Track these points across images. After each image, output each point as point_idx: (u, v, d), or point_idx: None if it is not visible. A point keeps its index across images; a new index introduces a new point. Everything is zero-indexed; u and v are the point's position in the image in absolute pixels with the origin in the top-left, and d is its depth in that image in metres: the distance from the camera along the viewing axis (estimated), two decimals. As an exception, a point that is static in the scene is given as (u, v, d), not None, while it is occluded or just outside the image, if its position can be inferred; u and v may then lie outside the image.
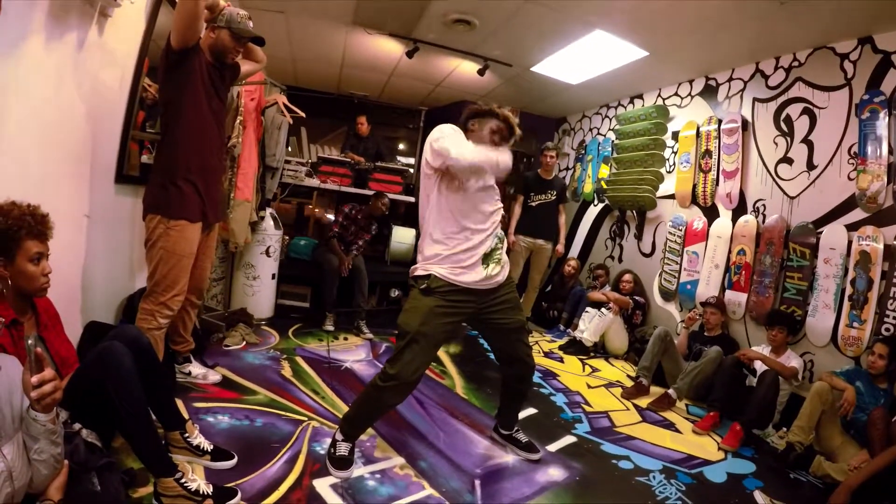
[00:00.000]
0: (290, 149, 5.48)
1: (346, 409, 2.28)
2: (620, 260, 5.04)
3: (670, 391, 3.24)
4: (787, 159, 3.43)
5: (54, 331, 1.60)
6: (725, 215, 3.86)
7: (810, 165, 3.26)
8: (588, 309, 4.42)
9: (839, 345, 2.91)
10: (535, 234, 4.63)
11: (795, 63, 3.43)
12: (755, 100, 3.71)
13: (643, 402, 3.26)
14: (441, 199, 1.92)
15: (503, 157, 1.87)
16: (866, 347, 2.75)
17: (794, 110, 3.41)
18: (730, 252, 3.71)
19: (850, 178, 3.01)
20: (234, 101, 3.07)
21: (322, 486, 1.87)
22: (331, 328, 3.94)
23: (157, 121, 2.34)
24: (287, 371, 2.97)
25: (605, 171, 5.31)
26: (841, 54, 3.14)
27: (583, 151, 5.89)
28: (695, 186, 4.13)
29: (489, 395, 3.01)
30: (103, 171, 2.26)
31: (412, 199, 5.42)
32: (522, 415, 2.66)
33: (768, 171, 3.56)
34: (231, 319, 3.49)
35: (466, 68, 4.81)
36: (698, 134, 4.12)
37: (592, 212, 5.59)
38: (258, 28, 2.26)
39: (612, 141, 5.22)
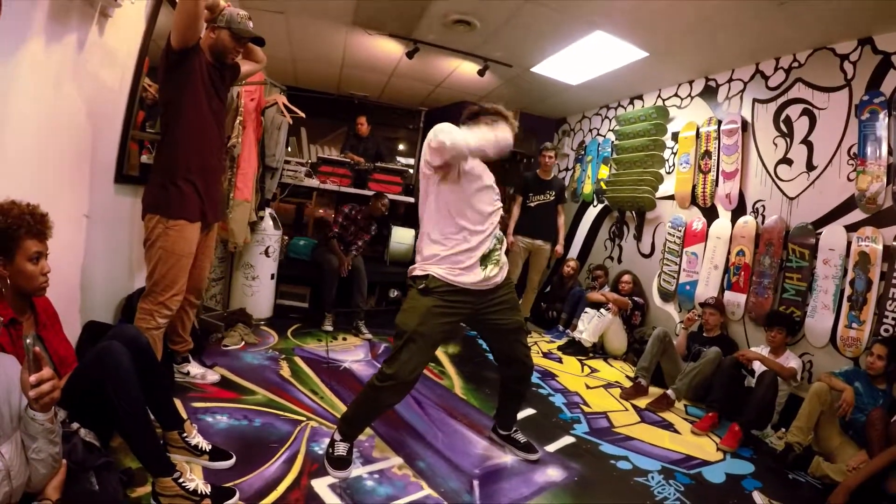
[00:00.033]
0: (289, 149, 5.49)
1: (344, 409, 2.28)
2: (620, 260, 5.05)
3: (669, 392, 3.24)
4: (786, 160, 3.43)
5: (53, 330, 1.60)
6: (725, 216, 3.86)
7: (810, 166, 3.27)
8: (587, 309, 4.42)
9: (838, 345, 2.91)
10: (533, 235, 4.63)
11: (795, 64, 3.43)
12: (755, 100, 3.72)
13: (642, 402, 3.26)
14: (439, 199, 1.93)
15: (502, 134, 1.85)
16: (865, 348, 2.75)
17: (793, 111, 3.41)
18: (729, 253, 3.72)
19: (849, 179, 3.01)
20: (234, 102, 3.07)
21: (320, 486, 1.87)
22: (330, 328, 3.94)
23: (157, 121, 2.34)
24: (286, 371, 2.97)
25: (604, 172, 5.32)
26: (841, 55, 3.14)
27: (582, 152, 5.89)
28: (694, 187, 4.13)
29: (488, 395, 3.01)
30: (103, 170, 2.26)
31: (412, 200, 5.42)
32: (521, 415, 2.66)
33: (768, 171, 3.56)
34: (230, 319, 3.49)
35: (466, 69, 4.81)
36: (698, 135, 4.13)
37: (592, 212, 5.59)
38: (258, 28, 2.27)
39: (612, 142, 5.22)
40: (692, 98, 4.36)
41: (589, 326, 4.26)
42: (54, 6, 1.69)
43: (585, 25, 3.55)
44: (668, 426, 2.96)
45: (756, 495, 2.27)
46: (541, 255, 4.69)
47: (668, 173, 4.51)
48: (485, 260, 1.95)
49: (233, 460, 1.89)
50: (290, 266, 4.48)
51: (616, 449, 2.55)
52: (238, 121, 3.11)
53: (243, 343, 3.29)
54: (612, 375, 3.84)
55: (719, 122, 3.94)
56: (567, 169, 6.26)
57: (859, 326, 2.81)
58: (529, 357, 2.21)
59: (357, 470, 2.01)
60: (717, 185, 3.94)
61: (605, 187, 5.16)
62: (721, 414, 2.96)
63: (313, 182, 4.98)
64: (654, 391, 3.38)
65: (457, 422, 2.62)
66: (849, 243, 2.94)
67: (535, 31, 3.80)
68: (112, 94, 2.25)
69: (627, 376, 3.82)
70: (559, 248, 4.77)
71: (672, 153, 4.47)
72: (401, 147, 7.53)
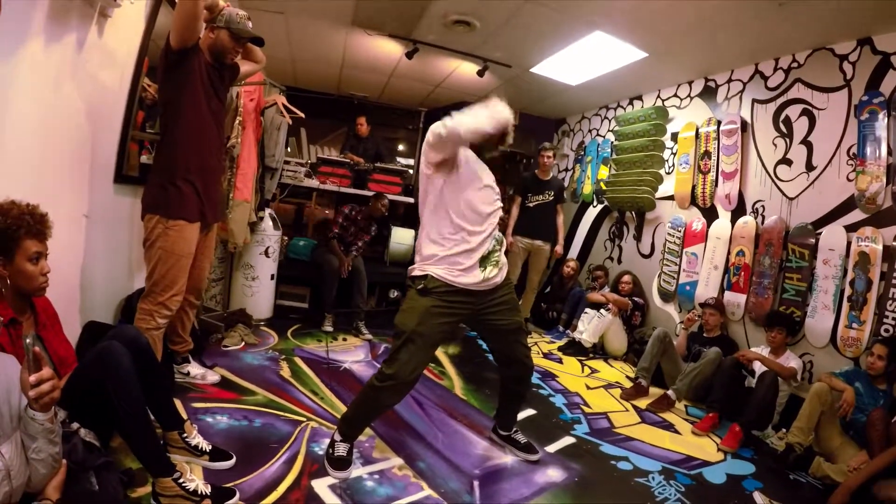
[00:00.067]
0: (289, 149, 5.50)
1: (344, 409, 2.28)
2: (619, 261, 5.05)
3: (669, 392, 3.24)
4: (786, 160, 3.43)
5: (53, 330, 1.60)
6: (724, 216, 3.87)
7: (809, 166, 3.27)
8: (587, 310, 4.42)
9: (838, 346, 2.91)
10: (532, 235, 4.63)
11: (794, 64, 3.43)
12: (754, 101, 3.72)
13: (642, 403, 3.25)
14: (438, 199, 1.93)
15: (496, 109, 1.82)
16: (865, 348, 2.75)
17: (793, 111, 3.41)
18: (729, 253, 3.72)
19: (849, 179, 3.01)
20: (234, 102, 3.07)
21: (320, 486, 1.87)
22: (330, 329, 3.94)
23: (157, 121, 2.34)
24: (286, 371, 2.97)
25: (604, 173, 5.32)
26: (840, 55, 3.14)
27: (582, 152, 5.90)
28: (694, 187, 4.13)
29: (488, 395, 3.00)
30: (102, 170, 2.26)
31: (411, 200, 5.42)
32: (521, 416, 2.66)
33: (767, 172, 3.56)
34: (230, 320, 3.49)
35: (466, 69, 4.81)
36: (697, 135, 4.13)
37: (591, 213, 5.59)
38: (257, 28, 2.27)
39: (612, 142, 5.23)
40: (691, 98, 4.36)
41: (589, 327, 4.25)
42: (54, 6, 1.69)
43: (585, 26, 3.55)
44: (669, 427, 2.96)
45: (757, 496, 2.27)
46: (540, 256, 4.69)
47: (668, 174, 4.51)
48: (484, 261, 1.95)
49: (233, 461, 1.89)
50: (290, 266, 4.48)
51: (616, 449, 2.55)
52: (237, 121, 3.11)
53: (243, 343, 3.29)
54: (613, 376, 3.84)
55: (719, 123, 3.94)
56: (567, 169, 6.26)
57: (859, 326, 2.81)
58: (529, 357, 2.21)
59: (357, 470, 2.01)
60: (716, 185, 3.94)
61: (604, 188, 5.16)
62: (721, 414, 2.96)
63: (313, 182, 4.98)
64: (655, 392, 3.38)
65: (457, 422, 2.62)
66: (849, 243, 2.94)
67: (534, 32, 3.81)
68: (111, 94, 2.25)
69: (628, 377, 3.82)
70: (559, 248, 4.76)
71: (671, 153, 4.48)
72: (400, 147, 7.53)
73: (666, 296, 4.32)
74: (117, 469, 1.56)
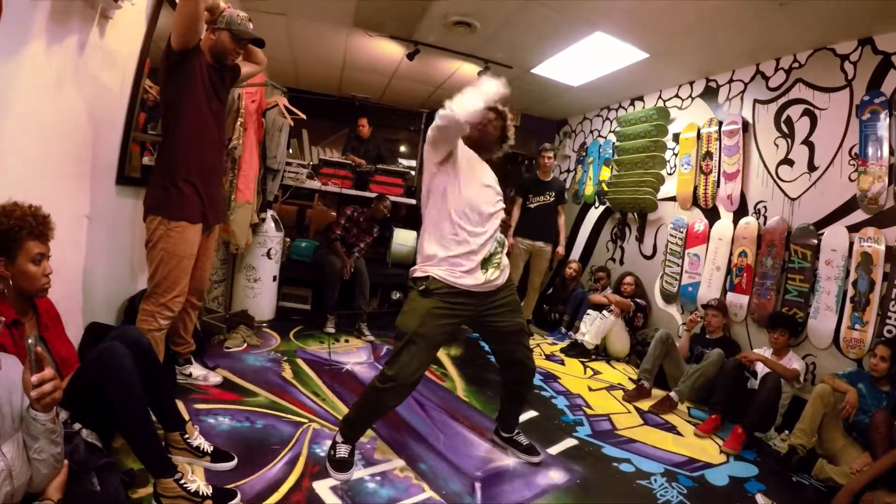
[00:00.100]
0: (290, 151, 5.49)
1: (346, 411, 2.28)
2: (622, 262, 5.04)
3: (672, 394, 3.23)
4: (787, 161, 3.42)
5: (55, 331, 1.60)
6: (726, 217, 3.86)
7: (811, 167, 3.26)
8: (589, 311, 4.42)
9: (841, 347, 2.90)
10: (534, 237, 4.62)
11: (796, 64, 3.43)
12: (756, 101, 3.71)
13: (644, 404, 3.25)
14: (440, 199, 1.93)
15: (486, 84, 1.83)
16: (868, 349, 2.74)
17: (794, 112, 3.41)
18: (731, 254, 3.71)
19: (851, 180, 3.01)
20: (235, 103, 3.08)
21: (322, 487, 1.86)
22: (332, 330, 3.94)
23: (159, 122, 2.35)
24: (288, 373, 2.97)
25: (606, 174, 5.32)
26: (841, 55, 3.14)
27: (584, 153, 5.90)
28: (696, 188, 4.13)
29: (490, 397, 3.00)
30: (104, 172, 2.26)
31: (413, 202, 5.42)
32: (523, 417, 2.65)
33: (769, 172, 3.56)
34: (232, 321, 3.49)
35: (467, 70, 4.82)
36: (699, 136, 4.13)
37: (593, 214, 5.59)
38: (259, 30, 2.27)
39: (613, 143, 5.22)
40: (693, 99, 4.36)
41: (591, 328, 4.25)
42: (55, 8, 1.69)
43: (585, 26, 3.55)
44: (671, 428, 2.95)
45: (759, 498, 2.26)
46: (542, 257, 4.68)
47: (670, 174, 4.50)
48: (486, 263, 1.95)
49: (234, 462, 1.89)
50: (292, 268, 4.48)
51: (618, 451, 2.55)
52: (239, 122, 3.11)
53: (245, 345, 3.29)
54: (615, 377, 3.83)
55: (720, 123, 3.94)
56: (568, 170, 6.26)
57: (862, 327, 2.80)
58: (531, 359, 2.21)
59: (359, 472, 2.00)
60: (718, 186, 3.93)
61: (606, 189, 5.15)
62: (724, 416, 2.95)
63: (315, 184, 4.98)
64: (657, 393, 3.37)
65: (459, 424, 2.61)
66: (851, 244, 2.93)
67: (535, 33, 3.81)
68: (113, 95, 2.25)
69: (630, 378, 3.81)
70: (560, 249, 4.75)
71: (673, 154, 4.47)
72: (402, 149, 7.54)
73: (668, 297, 4.32)
74: (119, 470, 1.55)
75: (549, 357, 4.18)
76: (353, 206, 4.30)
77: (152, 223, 2.09)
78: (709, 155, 4.00)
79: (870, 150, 2.88)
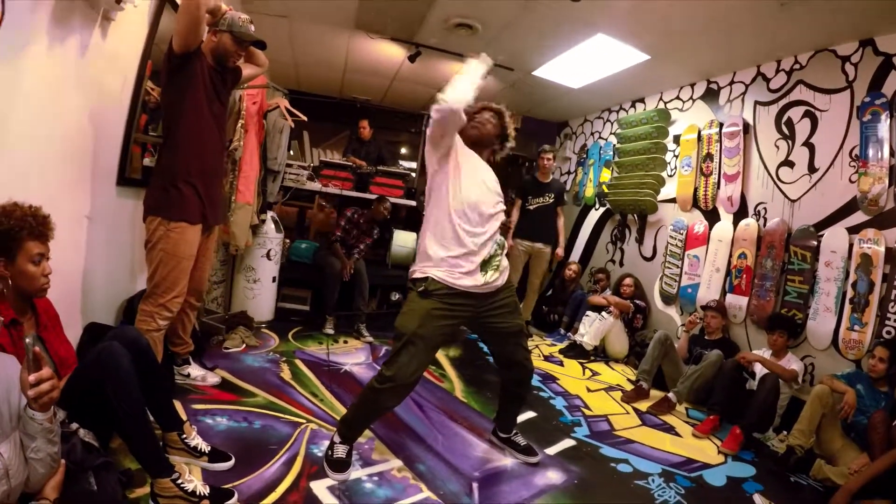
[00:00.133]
0: (291, 152, 5.51)
1: (345, 411, 2.28)
2: (621, 264, 5.04)
3: (670, 395, 3.22)
4: (788, 162, 3.42)
5: (54, 331, 1.61)
6: (726, 219, 3.86)
7: (811, 168, 3.26)
8: (588, 313, 4.42)
9: (840, 348, 2.89)
10: (533, 238, 4.62)
11: (796, 66, 3.43)
12: (756, 103, 3.71)
13: (643, 405, 3.25)
14: (440, 199, 1.93)
15: (473, 66, 1.86)
16: (867, 350, 2.74)
17: (795, 113, 3.41)
18: (731, 255, 3.71)
19: (851, 181, 3.00)
20: (237, 105, 3.09)
21: (319, 488, 1.87)
22: (331, 331, 3.95)
23: (160, 124, 2.36)
24: (286, 374, 2.98)
25: (606, 175, 5.32)
26: (842, 57, 3.14)
27: (584, 155, 5.90)
28: (696, 190, 4.13)
29: (488, 398, 3.00)
30: (105, 173, 2.28)
31: (413, 203, 5.44)
32: (521, 418, 2.66)
33: (769, 174, 3.55)
34: (231, 322, 3.50)
35: (468, 72, 4.82)
36: (699, 137, 4.13)
37: (594, 216, 5.59)
38: (260, 32, 2.28)
39: (614, 145, 5.22)
40: (693, 101, 4.36)
41: (590, 330, 4.25)
42: (56, 9, 1.70)
43: (586, 28, 3.56)
44: (670, 429, 2.95)
45: (757, 498, 2.26)
46: (541, 258, 4.68)
47: (670, 176, 4.50)
48: (485, 265, 1.95)
49: (232, 462, 1.89)
50: (292, 269, 4.49)
51: (617, 452, 2.54)
52: (240, 124, 3.13)
53: (244, 346, 3.30)
54: (614, 378, 3.83)
55: (721, 125, 3.94)
56: (569, 172, 6.27)
57: (861, 329, 2.80)
58: (529, 360, 2.21)
59: (356, 472, 2.01)
60: (718, 187, 3.93)
61: (606, 190, 5.16)
62: (722, 417, 2.95)
63: (315, 185, 5.00)
64: (656, 394, 3.37)
65: (457, 424, 2.62)
66: (851, 245, 2.93)
67: (536, 35, 3.82)
68: (114, 97, 2.26)
69: (629, 379, 3.80)
70: (559, 250, 4.76)
71: (674, 156, 4.47)
72: (403, 151, 7.56)
73: (667, 298, 4.31)
74: (116, 469, 1.56)
75: (547, 358, 4.18)
76: (353, 207, 4.31)
77: (152, 224, 2.10)
78: (709, 156, 4.00)
79: (870, 152, 2.88)
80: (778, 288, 3.34)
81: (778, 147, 3.51)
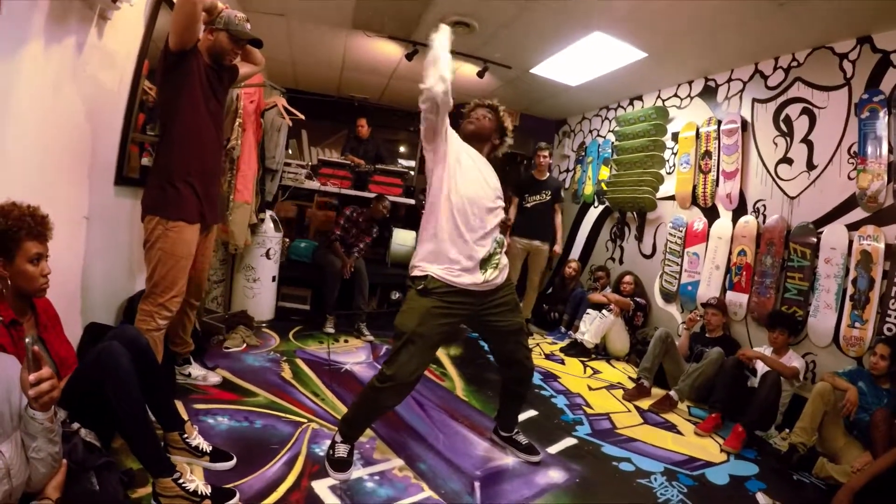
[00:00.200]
0: (290, 151, 5.50)
1: (345, 411, 2.28)
2: (621, 261, 5.04)
3: (672, 393, 3.22)
4: (786, 159, 3.42)
5: (54, 331, 1.60)
6: (726, 216, 3.86)
7: (810, 165, 3.26)
8: (589, 311, 4.41)
9: (841, 345, 2.89)
10: (531, 236, 4.63)
11: (794, 63, 3.43)
12: (754, 100, 3.71)
13: (644, 403, 3.24)
14: (439, 194, 1.92)
15: (436, 42, 1.80)
16: (868, 348, 2.74)
17: (793, 110, 3.41)
18: (730, 253, 3.71)
19: (850, 178, 3.00)
20: (234, 104, 3.08)
21: (321, 487, 1.86)
22: (331, 330, 3.94)
23: (157, 123, 2.35)
24: (287, 373, 2.97)
25: (605, 173, 5.31)
26: (840, 54, 3.14)
27: (583, 153, 5.89)
28: (695, 187, 4.13)
29: (489, 397, 2.99)
30: (103, 172, 2.27)
31: (412, 202, 5.43)
32: (523, 417, 2.65)
33: (768, 171, 3.55)
34: (231, 322, 3.49)
35: (466, 70, 4.81)
36: (698, 135, 4.13)
37: (593, 213, 5.59)
38: (257, 31, 2.27)
39: (612, 142, 5.22)
40: (692, 98, 4.36)
41: (591, 328, 4.25)
42: (53, 8, 1.69)
43: (584, 26, 3.55)
44: (671, 427, 2.95)
45: (760, 497, 2.26)
46: (539, 256, 4.68)
47: (669, 174, 4.50)
48: (485, 263, 1.94)
49: (233, 461, 1.89)
50: (292, 268, 4.48)
51: (618, 450, 2.54)
52: (237, 123, 3.12)
53: (245, 345, 3.29)
54: (615, 377, 3.83)
55: (719, 122, 3.94)
56: (568, 170, 6.26)
57: (862, 326, 2.80)
58: (530, 358, 2.21)
59: (357, 471, 2.00)
60: (717, 185, 3.93)
61: (605, 188, 5.15)
62: (724, 415, 2.95)
63: (314, 184, 4.99)
64: (657, 392, 3.37)
65: (458, 423, 2.61)
66: (850, 242, 2.93)
67: (533, 33, 3.81)
68: (111, 96, 2.25)
69: (630, 377, 3.80)
70: (557, 247, 4.76)
71: (672, 153, 4.47)
72: (401, 149, 7.55)
73: (668, 296, 4.31)
74: (118, 469, 1.55)
75: (548, 356, 4.18)
76: (352, 206, 4.30)
77: (150, 223, 2.09)
78: (708, 154, 4.00)
79: (869, 149, 2.88)
80: (778, 285, 3.34)
81: (776, 144, 3.51)
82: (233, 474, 1.84)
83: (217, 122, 2.29)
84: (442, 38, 1.80)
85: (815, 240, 3.13)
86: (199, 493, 1.58)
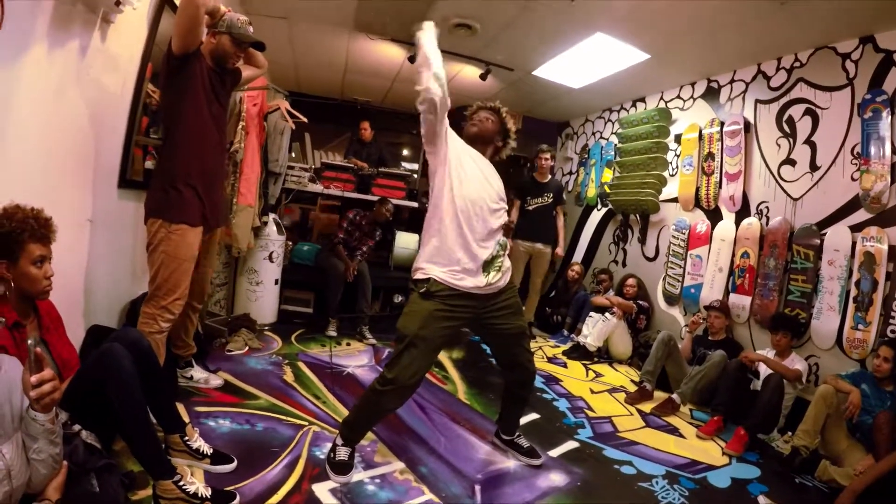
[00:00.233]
0: (293, 154, 5.52)
1: (347, 414, 2.28)
2: (624, 264, 5.03)
3: (674, 396, 3.21)
4: (789, 161, 3.41)
5: (56, 333, 1.61)
6: (729, 218, 3.84)
7: (813, 166, 3.25)
8: (592, 314, 4.40)
9: (844, 347, 2.88)
10: (533, 238, 4.62)
11: (797, 64, 3.42)
12: (757, 101, 3.70)
13: (647, 406, 3.23)
14: (442, 196, 1.92)
15: (419, 38, 1.80)
16: (871, 350, 2.72)
17: (796, 111, 3.39)
18: (733, 255, 3.69)
19: (853, 179, 2.99)
20: (237, 107, 3.10)
21: (321, 490, 1.86)
22: (334, 333, 3.94)
23: (161, 126, 2.36)
24: (289, 376, 2.97)
25: (608, 176, 5.31)
26: (842, 54, 3.13)
27: (586, 156, 5.89)
28: (698, 189, 4.12)
29: (491, 400, 2.99)
30: (106, 175, 2.28)
31: (416, 205, 5.43)
32: (524, 420, 2.65)
33: (771, 172, 3.54)
34: (234, 325, 3.50)
35: (469, 73, 4.83)
36: (701, 136, 4.12)
37: (596, 216, 5.58)
38: (260, 34, 2.28)
39: (615, 145, 5.21)
40: (694, 100, 4.35)
41: (594, 331, 4.24)
42: (56, 12, 1.70)
43: (586, 28, 3.55)
44: (673, 430, 2.94)
45: (762, 500, 2.25)
46: (542, 259, 4.68)
47: (672, 176, 4.49)
48: (488, 266, 1.94)
49: (234, 464, 1.89)
50: (295, 271, 4.49)
51: (620, 454, 2.53)
52: (240, 126, 3.13)
53: (247, 348, 3.30)
54: (617, 380, 3.82)
55: (722, 124, 3.93)
56: (571, 173, 6.26)
57: (865, 328, 2.78)
58: (532, 362, 2.20)
59: (358, 474, 2.00)
60: (720, 186, 3.92)
61: (608, 191, 5.14)
62: (726, 418, 2.93)
63: (317, 187, 5.00)
64: (660, 395, 3.35)
65: (460, 427, 2.61)
66: (854, 244, 2.91)
67: (535, 35, 3.82)
68: (115, 99, 2.27)
69: (632, 380, 3.79)
70: (559, 250, 4.76)
71: (675, 155, 4.46)
72: (404, 152, 7.56)
73: (671, 299, 4.30)
74: (118, 471, 1.56)
75: (551, 360, 4.17)
76: (355, 209, 4.31)
77: (153, 226, 2.10)
78: (711, 156, 3.99)
79: (872, 149, 2.87)
80: (781, 287, 3.33)
81: (779, 145, 3.50)
82: (233, 477, 1.84)
83: (220, 125, 2.30)
84: (428, 36, 1.80)
85: (818, 241, 3.11)
86: (200, 495, 1.58)
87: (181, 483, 1.57)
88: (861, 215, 2.93)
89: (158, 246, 2.10)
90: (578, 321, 4.71)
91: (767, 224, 3.49)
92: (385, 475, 2.03)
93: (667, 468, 2.43)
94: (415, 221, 5.57)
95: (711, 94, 4.16)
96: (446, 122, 1.91)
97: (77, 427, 1.47)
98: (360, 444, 2.13)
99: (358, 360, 3.49)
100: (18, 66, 1.58)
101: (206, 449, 1.87)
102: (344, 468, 1.97)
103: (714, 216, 3.99)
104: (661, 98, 4.75)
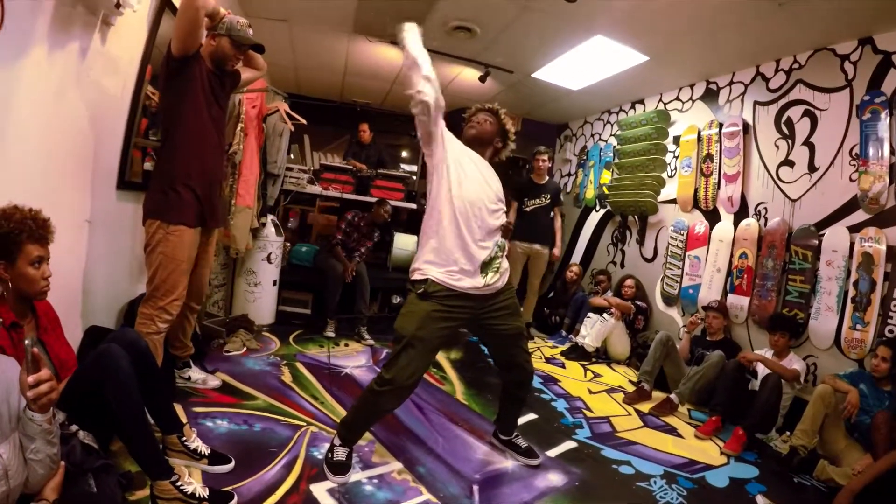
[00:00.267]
0: (292, 156, 5.52)
1: (345, 414, 2.28)
2: (622, 265, 5.03)
3: (672, 396, 3.21)
4: (788, 162, 3.42)
5: (54, 334, 1.61)
6: (727, 219, 3.85)
7: (812, 168, 3.25)
8: (590, 314, 4.40)
9: (842, 347, 2.88)
10: (531, 240, 4.63)
11: (796, 65, 3.43)
12: (756, 103, 3.71)
13: (645, 407, 3.23)
14: (440, 196, 1.92)
15: (403, 40, 1.84)
16: (870, 350, 2.72)
17: (794, 113, 3.40)
18: (732, 256, 3.70)
19: (851, 180, 2.99)
20: (236, 109, 3.10)
21: (319, 490, 1.86)
22: (332, 334, 3.94)
23: (160, 128, 2.37)
24: (287, 377, 2.97)
25: (606, 177, 5.31)
26: (841, 55, 3.13)
27: (584, 157, 5.90)
28: (696, 190, 4.12)
29: (489, 400, 2.99)
30: (105, 177, 2.28)
31: (414, 206, 5.44)
32: (523, 420, 2.65)
33: (770, 173, 3.55)
34: (232, 325, 3.50)
35: (468, 75, 4.84)
36: (699, 138, 4.12)
37: (594, 217, 5.58)
38: (259, 36, 2.29)
39: (614, 146, 5.22)
40: (693, 101, 4.36)
41: (592, 331, 4.24)
42: (57, 14, 1.71)
43: (585, 30, 3.56)
44: (672, 430, 2.94)
45: (760, 499, 2.25)
46: (539, 260, 4.69)
47: (670, 177, 4.50)
48: (486, 267, 1.94)
49: (232, 464, 1.89)
50: (293, 272, 4.50)
51: (618, 454, 2.53)
52: (240, 128, 3.14)
53: (245, 349, 3.30)
54: (615, 380, 3.82)
55: (720, 125, 3.94)
56: (569, 174, 6.26)
57: (863, 328, 2.79)
58: (529, 362, 2.20)
59: (356, 475, 2.00)
60: (718, 188, 3.93)
61: (607, 192, 5.15)
62: (725, 418, 2.94)
63: (316, 189, 5.01)
64: (658, 395, 3.35)
65: (457, 427, 2.61)
66: (852, 244, 2.92)
67: (535, 37, 3.82)
68: (114, 101, 2.27)
69: (630, 381, 3.80)
70: (556, 251, 4.76)
71: (674, 157, 4.47)
72: (403, 154, 7.56)
73: (669, 299, 4.30)
74: (116, 471, 1.55)
75: (549, 360, 4.17)
76: (353, 210, 4.31)
77: (151, 227, 2.11)
78: (709, 157, 4.00)
79: (870, 150, 2.87)
80: (779, 288, 3.33)
81: (778, 147, 3.50)
82: (231, 477, 1.84)
83: (219, 126, 2.31)
84: (413, 37, 1.82)
85: (816, 242, 3.11)
86: (198, 495, 1.58)
87: (179, 483, 1.57)
88: (859, 216, 2.94)
89: (156, 247, 2.10)
90: (577, 322, 4.72)
91: (766, 225, 3.50)
92: (383, 475, 2.03)
93: (665, 468, 2.43)
94: (413, 223, 5.57)
95: (710, 96, 4.17)
96: (441, 123, 1.91)
97: (74, 427, 1.47)
98: (357, 445, 2.13)
99: (356, 360, 3.49)
100: (18, 66, 1.59)
101: (204, 449, 1.87)
102: (342, 468, 1.97)
103: (712, 217, 3.99)
104: (660, 100, 4.76)
